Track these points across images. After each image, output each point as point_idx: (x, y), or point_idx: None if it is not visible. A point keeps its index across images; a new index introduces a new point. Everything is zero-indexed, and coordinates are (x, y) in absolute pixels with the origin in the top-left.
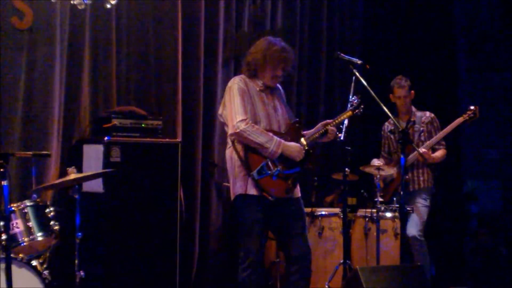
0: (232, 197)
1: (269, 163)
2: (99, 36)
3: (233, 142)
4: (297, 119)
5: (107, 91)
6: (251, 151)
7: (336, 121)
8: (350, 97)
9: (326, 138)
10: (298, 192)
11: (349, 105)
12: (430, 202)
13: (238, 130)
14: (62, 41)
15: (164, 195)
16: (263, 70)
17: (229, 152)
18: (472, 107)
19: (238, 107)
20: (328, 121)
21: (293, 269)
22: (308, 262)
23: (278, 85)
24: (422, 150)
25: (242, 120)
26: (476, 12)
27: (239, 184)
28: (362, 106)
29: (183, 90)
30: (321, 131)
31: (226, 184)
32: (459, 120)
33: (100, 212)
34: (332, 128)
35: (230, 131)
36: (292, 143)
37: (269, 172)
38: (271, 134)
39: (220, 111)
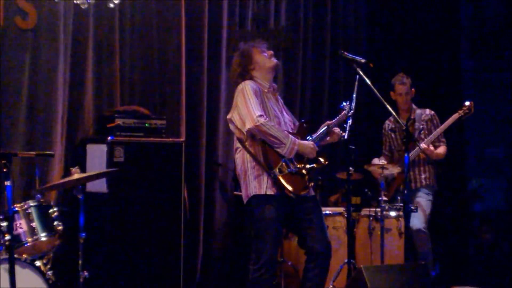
0: (245, 200)
1: (287, 160)
2: (102, 35)
3: (243, 145)
4: (304, 120)
5: (110, 91)
6: (270, 150)
7: (335, 121)
8: (353, 99)
9: (331, 139)
10: (312, 191)
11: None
12: (432, 197)
13: (258, 123)
14: (66, 41)
15: (168, 195)
16: (257, 67)
17: (241, 155)
18: (467, 103)
19: (255, 104)
20: (328, 122)
21: (311, 265)
22: (329, 257)
23: (278, 97)
24: (423, 145)
25: (261, 115)
26: (480, 11)
27: (253, 184)
28: (352, 111)
29: (187, 90)
30: (324, 132)
31: (237, 193)
32: (455, 116)
33: (103, 212)
34: (337, 129)
35: (248, 125)
36: (305, 141)
37: (289, 169)
38: (286, 131)
39: (229, 116)
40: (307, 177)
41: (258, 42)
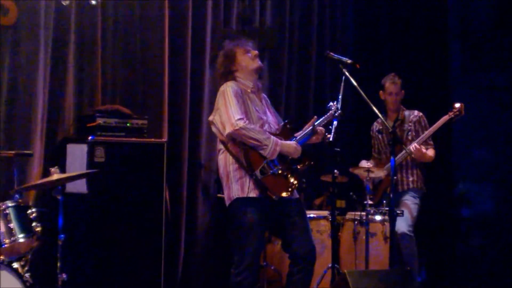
0: (228, 202)
1: (269, 162)
2: (84, 33)
3: (226, 146)
4: (287, 120)
5: (92, 90)
6: (251, 151)
7: (320, 122)
8: (339, 101)
9: (315, 138)
10: (296, 193)
11: (338, 107)
12: (420, 201)
13: (237, 127)
14: (46, 38)
15: (149, 196)
16: (240, 68)
17: (223, 157)
18: (457, 105)
19: (234, 108)
20: (314, 120)
21: (296, 269)
22: (313, 261)
23: (264, 95)
24: (414, 145)
25: (240, 119)
26: (469, 12)
27: (235, 187)
28: (339, 112)
29: (170, 89)
30: (309, 133)
31: (220, 195)
32: (445, 118)
33: (83, 214)
34: (320, 128)
35: (228, 130)
36: (288, 142)
37: (271, 171)
38: (267, 133)
39: (211, 118)
40: (290, 178)
41: (243, 41)
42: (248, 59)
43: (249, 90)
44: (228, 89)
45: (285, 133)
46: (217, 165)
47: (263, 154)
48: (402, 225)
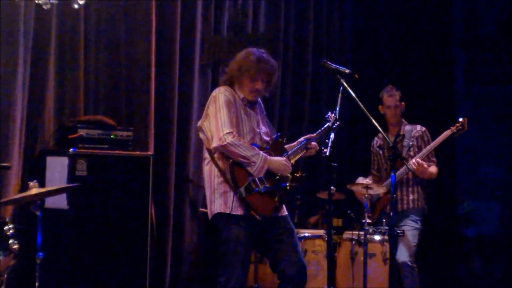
0: (210, 216)
1: (256, 179)
2: (66, 39)
3: (212, 157)
4: (279, 134)
5: (73, 99)
6: (236, 167)
7: (317, 135)
8: (337, 112)
9: (308, 152)
10: (284, 211)
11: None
12: (421, 224)
13: (225, 143)
14: (26, 44)
15: (134, 213)
16: (240, 83)
17: (208, 168)
18: (460, 119)
19: (224, 119)
20: (310, 135)
21: None
22: (303, 281)
23: (259, 99)
24: (416, 160)
25: (229, 133)
26: (474, 23)
27: (218, 202)
28: (338, 123)
29: (156, 99)
30: (303, 148)
31: (203, 209)
32: (447, 133)
33: (63, 231)
34: (314, 143)
35: (215, 144)
36: (277, 158)
37: (257, 189)
38: (257, 149)
39: (199, 123)
40: (277, 197)
41: (263, 65)
42: (247, 90)
43: (240, 101)
44: (220, 96)
45: (277, 147)
46: (202, 175)
47: (250, 171)
48: (403, 254)
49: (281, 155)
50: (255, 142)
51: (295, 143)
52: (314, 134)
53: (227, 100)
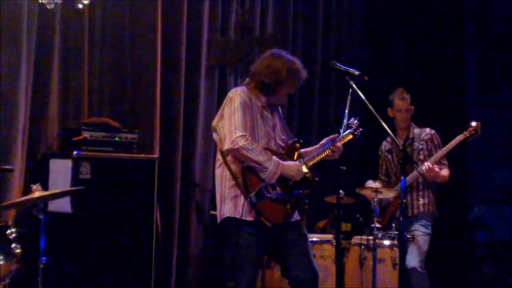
0: (219, 220)
1: (268, 185)
2: (70, 39)
3: (225, 159)
4: (297, 139)
5: (77, 101)
6: (248, 171)
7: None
8: (346, 115)
9: (333, 155)
10: (297, 216)
11: (343, 127)
12: (431, 229)
13: (236, 146)
14: (29, 44)
15: (139, 216)
16: (281, 88)
17: (220, 170)
18: (473, 123)
19: (238, 122)
20: (332, 136)
21: None
22: (315, 287)
23: (278, 108)
24: (427, 164)
25: (241, 136)
26: (487, 23)
27: (228, 205)
28: (360, 129)
29: (162, 101)
30: (326, 152)
31: (213, 212)
32: (460, 137)
33: (67, 235)
34: (339, 145)
35: (226, 146)
36: (291, 162)
37: (268, 195)
38: (270, 153)
39: (214, 122)
40: (289, 205)
41: (299, 74)
42: (284, 94)
43: (260, 104)
44: (236, 97)
45: (292, 152)
46: (213, 176)
47: (262, 176)
48: (413, 259)
49: (296, 160)
50: (270, 146)
51: (317, 145)
52: (339, 136)
53: (243, 102)
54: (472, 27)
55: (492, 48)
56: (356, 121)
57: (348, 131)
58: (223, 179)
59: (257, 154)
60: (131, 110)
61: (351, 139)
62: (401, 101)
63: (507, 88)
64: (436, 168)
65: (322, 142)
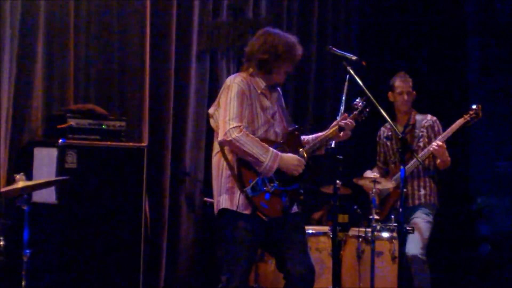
0: (216, 211)
1: (265, 178)
2: (54, 21)
3: (222, 148)
4: (296, 126)
5: (62, 86)
6: (245, 162)
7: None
8: (343, 102)
9: (342, 135)
10: (295, 208)
11: (340, 114)
12: (433, 218)
13: (229, 138)
14: (12, 27)
15: (127, 207)
16: (278, 68)
17: (217, 158)
18: (474, 106)
19: (234, 112)
20: (340, 120)
21: None
22: (311, 282)
23: (279, 90)
24: (437, 143)
25: (236, 127)
26: (490, 9)
27: (224, 197)
28: (367, 110)
29: (151, 87)
30: (331, 131)
31: (208, 199)
32: (460, 121)
33: (52, 226)
34: (348, 121)
35: (220, 138)
36: (290, 155)
37: (265, 188)
38: (266, 145)
39: (211, 111)
40: (287, 198)
41: (297, 51)
42: (283, 73)
43: (259, 91)
44: (234, 86)
45: (291, 142)
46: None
47: (258, 169)
48: (413, 247)
49: (296, 149)
50: (269, 135)
51: (319, 133)
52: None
53: (240, 91)
54: (474, 11)
55: (495, 34)
56: (361, 102)
57: (354, 112)
58: (220, 168)
59: (252, 146)
60: (118, 96)
61: (357, 121)
62: (402, 83)
63: (510, 75)
64: (444, 146)
65: (318, 134)
